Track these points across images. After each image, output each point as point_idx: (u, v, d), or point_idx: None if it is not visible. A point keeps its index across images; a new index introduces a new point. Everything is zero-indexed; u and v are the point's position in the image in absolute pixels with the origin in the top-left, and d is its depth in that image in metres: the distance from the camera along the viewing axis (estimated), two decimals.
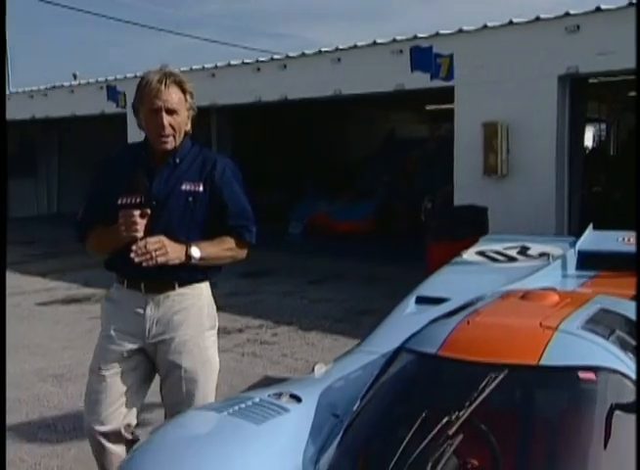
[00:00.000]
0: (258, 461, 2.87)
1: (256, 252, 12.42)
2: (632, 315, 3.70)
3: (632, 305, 4.03)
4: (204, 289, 3.40)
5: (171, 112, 3.07)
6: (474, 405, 2.83)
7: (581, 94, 10.17)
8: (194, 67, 14.56)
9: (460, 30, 10.73)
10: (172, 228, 3.12)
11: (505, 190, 10.20)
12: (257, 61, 13.60)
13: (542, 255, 5.71)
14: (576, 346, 3.11)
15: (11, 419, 5.38)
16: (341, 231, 14.67)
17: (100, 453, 3.37)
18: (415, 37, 11.17)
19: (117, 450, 3.36)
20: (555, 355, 3.00)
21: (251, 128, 16.49)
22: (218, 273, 3.51)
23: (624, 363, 3.03)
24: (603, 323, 3.41)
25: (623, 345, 3.22)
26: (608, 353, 3.07)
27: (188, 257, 3.15)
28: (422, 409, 2.93)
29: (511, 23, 10.17)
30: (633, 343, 3.33)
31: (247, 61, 13.77)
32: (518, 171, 10.25)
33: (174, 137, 3.12)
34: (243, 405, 3.23)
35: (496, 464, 2.75)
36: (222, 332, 8.01)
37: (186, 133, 3.27)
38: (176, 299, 3.25)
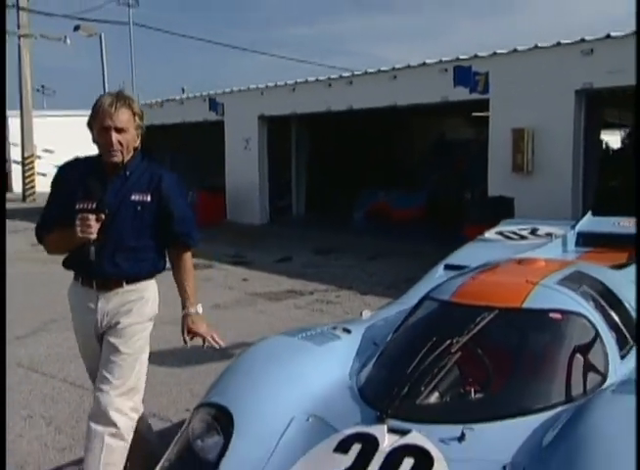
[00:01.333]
0: (318, 370, 3.26)
1: (327, 233, 13.06)
2: (602, 277, 3.97)
3: (606, 270, 4.34)
4: (149, 285, 3.29)
5: (120, 130, 2.94)
6: (471, 334, 3.22)
7: (596, 105, 10.21)
8: (278, 83, 14.93)
9: (494, 53, 10.87)
10: (124, 233, 3.05)
11: (530, 184, 10.32)
12: (329, 78, 13.78)
13: (548, 234, 5.85)
14: (550, 295, 3.41)
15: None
16: (396, 217, 14.76)
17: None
18: (457, 59, 11.33)
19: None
20: (533, 302, 3.32)
21: (324, 133, 16.55)
22: (162, 271, 3.40)
23: (586, 309, 3.33)
24: (574, 281, 3.66)
25: (588, 296, 3.50)
26: (574, 302, 3.36)
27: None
28: (435, 337, 3.36)
29: (536, 46, 10.27)
30: (595, 295, 3.61)
31: (320, 78, 13.95)
32: (540, 169, 10.39)
33: (122, 152, 2.99)
34: (310, 333, 3.68)
35: (488, 376, 3.06)
36: (297, 294, 8.51)
37: (135, 149, 3.16)
38: (124, 295, 3.13)
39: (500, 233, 6.14)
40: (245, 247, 12.27)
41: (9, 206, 21.74)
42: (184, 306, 3.30)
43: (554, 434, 2.52)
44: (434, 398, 2.92)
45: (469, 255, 5.32)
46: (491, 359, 3.12)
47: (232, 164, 16.39)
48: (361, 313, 4.30)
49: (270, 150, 15.88)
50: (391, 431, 2.64)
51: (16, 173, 26.39)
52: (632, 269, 4.53)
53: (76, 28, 25.44)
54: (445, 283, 3.95)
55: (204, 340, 3.26)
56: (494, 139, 11.01)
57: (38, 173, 24.81)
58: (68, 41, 26.52)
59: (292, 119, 15.66)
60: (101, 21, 28.67)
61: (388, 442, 2.59)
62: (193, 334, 3.27)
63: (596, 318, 3.31)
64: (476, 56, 11.10)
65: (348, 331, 3.74)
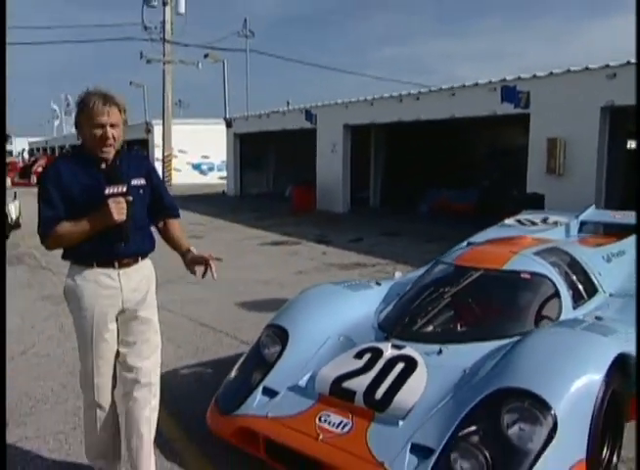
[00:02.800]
0: (352, 308, 3.77)
1: (395, 221, 13.29)
2: (573, 252, 4.23)
3: (580, 248, 4.59)
4: (149, 260, 2.96)
5: (113, 126, 2.68)
6: (461, 286, 3.67)
7: (619, 120, 10.12)
8: (359, 98, 15.24)
9: (534, 76, 10.85)
10: (136, 214, 2.72)
11: (560, 184, 10.32)
12: (400, 94, 13.93)
13: (555, 222, 5.90)
14: (525, 262, 3.77)
15: (243, 298, 6.72)
16: (454, 210, 14.79)
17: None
18: (504, 80, 11.36)
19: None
20: (511, 265, 3.74)
21: (398, 140, 16.66)
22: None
23: (550, 273, 3.69)
24: (548, 253, 3.98)
25: (555, 264, 3.83)
26: (542, 267, 3.73)
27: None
28: (435, 288, 3.83)
29: (568, 70, 10.25)
30: (562, 264, 3.94)
31: (393, 94, 14.13)
32: (570, 172, 10.36)
33: (113, 146, 2.72)
34: (350, 283, 4.26)
35: (474, 315, 3.54)
36: (362, 266, 8.90)
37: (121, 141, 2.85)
38: (140, 270, 2.85)
39: (517, 220, 6.25)
40: (328, 229, 12.58)
41: None
42: (182, 250, 2.96)
43: (503, 352, 2.98)
44: (424, 326, 3.41)
45: (487, 235, 5.49)
46: (472, 303, 3.60)
47: (321, 163, 16.73)
48: (394, 274, 4.75)
49: (352, 153, 16.12)
50: (393, 346, 3.16)
51: (157, 168, 27.70)
52: (608, 248, 4.80)
53: (206, 56, 26.55)
54: (453, 251, 4.41)
55: (205, 268, 2.86)
56: (533, 146, 11.00)
57: (174, 169, 26.03)
58: (200, 66, 27.64)
59: (371, 128, 15.88)
60: (224, 49, 29.83)
61: (389, 352, 3.12)
62: (194, 264, 2.90)
63: (557, 280, 3.69)
64: (519, 78, 11.14)
65: (379, 284, 4.26)
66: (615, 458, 2.95)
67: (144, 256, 2.89)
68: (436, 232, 12.27)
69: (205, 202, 19.15)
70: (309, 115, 16.95)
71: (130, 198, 2.68)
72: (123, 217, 2.63)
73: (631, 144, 16.94)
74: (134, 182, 2.78)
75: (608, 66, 9.58)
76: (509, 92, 11.31)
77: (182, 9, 26.78)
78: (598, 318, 3.33)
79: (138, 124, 31.87)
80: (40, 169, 29.97)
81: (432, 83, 13.95)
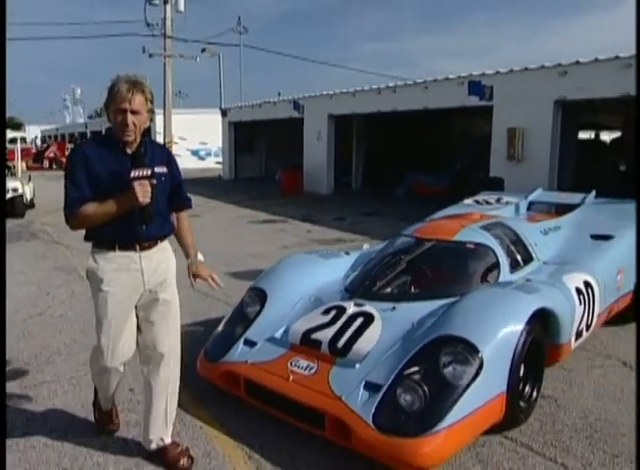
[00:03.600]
0: (323, 273, 3.98)
1: (375, 202, 13.37)
2: (514, 227, 4.41)
3: (521, 223, 4.78)
4: (168, 243, 2.81)
5: (135, 112, 2.53)
6: (417, 253, 3.93)
7: (570, 112, 10.31)
8: (342, 90, 15.31)
9: (497, 72, 10.99)
10: (158, 199, 2.59)
11: (518, 169, 10.51)
12: (379, 87, 14.01)
13: (507, 202, 6.03)
14: (471, 234, 4.00)
15: (234, 269, 6.85)
16: (429, 193, 14.88)
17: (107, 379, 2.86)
18: (471, 75, 11.49)
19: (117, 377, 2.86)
20: (459, 236, 3.97)
21: (378, 128, 16.75)
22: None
23: (492, 243, 3.93)
24: (491, 227, 4.19)
25: (497, 236, 4.05)
26: (485, 238, 3.95)
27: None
28: (394, 256, 4.08)
29: (526, 68, 10.39)
30: (503, 236, 4.13)
31: (373, 87, 14.19)
32: (527, 158, 10.55)
33: (135, 132, 2.56)
34: (323, 253, 4.45)
35: (425, 279, 3.77)
36: (343, 241, 9.09)
37: (146, 129, 2.69)
38: (159, 252, 2.71)
39: (475, 200, 6.45)
40: (313, 209, 12.74)
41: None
42: (188, 256, 2.88)
43: (445, 308, 3.25)
44: (383, 288, 3.66)
45: (447, 212, 5.69)
46: (424, 268, 3.84)
47: (308, 149, 16.81)
48: (362, 246, 4.94)
49: (336, 140, 16.22)
50: (355, 304, 3.41)
51: None
52: (546, 223, 4.99)
53: (203, 50, 26.46)
54: (413, 225, 4.62)
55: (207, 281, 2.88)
56: (496, 135, 11.17)
57: (175, 155, 25.99)
58: (198, 59, 27.51)
59: (353, 118, 15.98)
60: (220, 44, 29.88)
61: (351, 310, 3.37)
62: (196, 277, 2.87)
63: (498, 249, 3.94)
64: (484, 73, 11.28)
65: (348, 254, 4.48)
66: (535, 393, 3.24)
67: (163, 238, 2.76)
68: (410, 212, 12.17)
69: (203, 185, 19.24)
70: (297, 105, 17.01)
71: (154, 181, 2.56)
72: (148, 200, 2.51)
73: (591, 135, 17.14)
74: (157, 169, 2.64)
75: (560, 64, 9.78)
76: (475, 86, 11.47)
77: (182, 7, 26.57)
78: (528, 280, 3.61)
79: None
80: (52, 155, 29.90)
81: (415, 76, 13.97)
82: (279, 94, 20.04)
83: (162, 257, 2.75)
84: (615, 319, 4.58)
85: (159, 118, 27.09)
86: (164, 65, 26.07)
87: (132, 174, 2.51)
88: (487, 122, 12.49)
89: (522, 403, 3.10)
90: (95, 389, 3.08)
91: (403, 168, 16.06)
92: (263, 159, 22.55)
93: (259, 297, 3.73)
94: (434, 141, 17.46)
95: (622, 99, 9.16)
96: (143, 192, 2.49)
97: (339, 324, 3.26)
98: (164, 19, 26.16)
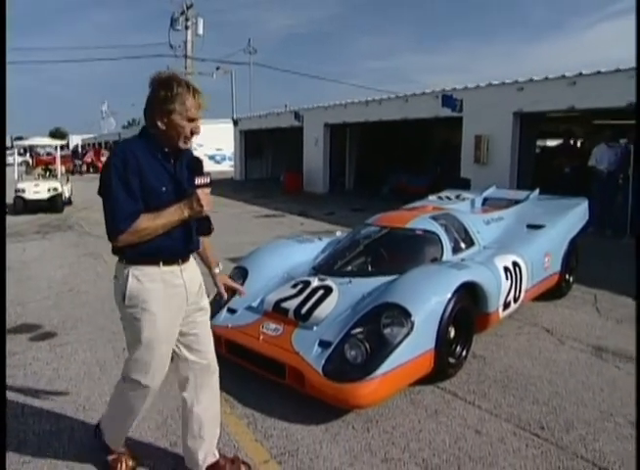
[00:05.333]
0: (296, 255, 4.15)
1: (363, 200, 13.28)
2: (461, 218, 4.54)
3: (468, 215, 4.90)
4: None
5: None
6: (374, 238, 4.11)
7: (527, 122, 10.34)
8: (335, 102, 15.31)
9: (466, 87, 11.04)
10: None
11: (484, 171, 10.51)
12: (366, 100, 14.05)
13: (465, 198, 6.15)
14: (421, 222, 4.16)
15: (233, 255, 6.94)
16: (411, 191, 14.90)
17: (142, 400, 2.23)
18: (444, 90, 11.56)
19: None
20: (411, 224, 4.13)
21: (369, 136, 16.67)
22: None
23: (438, 230, 4.09)
24: (440, 217, 4.35)
25: (444, 225, 4.21)
26: (432, 226, 4.12)
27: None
28: (355, 241, 4.27)
29: (490, 84, 10.45)
30: (449, 225, 4.27)
31: (361, 100, 14.22)
32: (491, 162, 10.57)
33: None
34: (299, 238, 4.58)
35: (379, 259, 3.90)
36: (330, 232, 9.26)
37: None
38: (192, 265, 2.27)
39: (438, 196, 6.55)
40: (309, 206, 12.83)
41: None
42: (211, 267, 2.48)
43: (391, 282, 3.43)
44: (343, 266, 3.85)
45: (412, 206, 5.76)
46: (378, 251, 4.01)
47: (307, 154, 16.86)
48: (336, 233, 5.04)
49: (332, 146, 16.28)
50: (319, 279, 3.59)
51: None
52: (491, 215, 5.11)
53: (217, 68, 26.73)
54: (376, 215, 4.76)
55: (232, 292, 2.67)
56: (465, 142, 11.22)
57: None
58: (215, 76, 27.82)
59: (346, 126, 15.98)
60: (233, 62, 30.16)
61: (315, 283, 3.55)
62: (224, 285, 2.53)
63: (442, 235, 4.11)
64: (454, 88, 11.36)
65: (321, 239, 4.60)
66: (464, 352, 3.44)
67: (193, 253, 2.32)
68: (392, 208, 12.47)
69: (216, 185, 18.68)
70: (297, 115, 17.10)
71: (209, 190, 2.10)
72: (212, 208, 2.08)
73: (547, 142, 17.09)
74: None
75: (517, 81, 9.85)
76: (447, 99, 11.53)
77: (200, 31, 26.83)
78: (462, 260, 3.80)
79: None
80: (89, 160, 30.07)
81: (408, 91, 13.57)
82: (286, 106, 19.89)
83: (194, 265, 2.31)
84: (545, 295, 4.76)
85: None
86: None
87: (197, 182, 2.06)
88: (461, 131, 12.55)
89: (452, 360, 3.30)
90: (99, 426, 2.48)
91: (389, 170, 16.07)
92: (270, 162, 22.64)
93: (242, 274, 3.93)
94: (417, 146, 17.45)
95: (568, 111, 9.30)
96: (207, 200, 2.06)
97: (303, 295, 3.45)
98: (186, 41, 26.46)
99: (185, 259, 2.22)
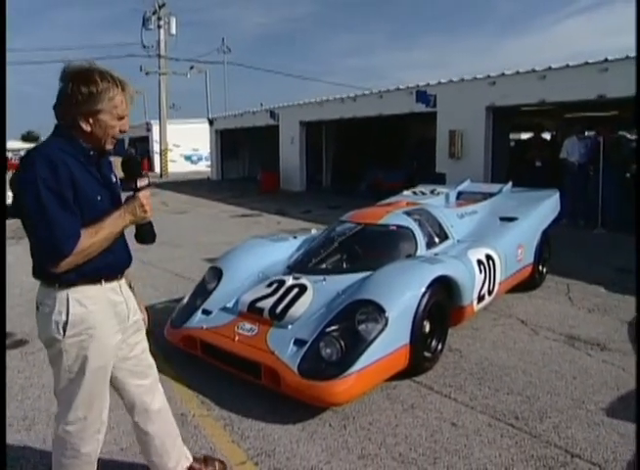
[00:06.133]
0: (271, 254, 4.12)
1: (340, 197, 13.17)
2: (434, 212, 4.56)
3: (442, 209, 4.91)
4: None
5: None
6: (348, 235, 4.11)
7: (500, 116, 10.46)
8: (310, 100, 15.27)
9: (439, 82, 11.12)
10: None
11: (459, 165, 10.62)
12: (341, 97, 14.03)
13: (440, 193, 6.14)
14: (395, 218, 4.17)
15: (209, 255, 6.90)
16: (387, 187, 14.92)
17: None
18: (418, 86, 11.60)
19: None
20: (385, 220, 4.13)
21: (344, 132, 16.70)
22: None
23: (412, 225, 4.11)
24: (414, 213, 4.36)
25: (417, 220, 4.23)
26: (406, 221, 4.13)
27: None
28: (329, 238, 4.26)
29: (462, 79, 10.53)
30: (423, 220, 4.29)
31: (336, 97, 14.21)
32: (466, 156, 10.67)
33: None
34: (274, 237, 4.56)
35: (353, 256, 3.91)
36: (306, 230, 9.19)
37: None
38: (124, 279, 1.97)
39: (413, 191, 6.56)
40: (286, 204, 12.78)
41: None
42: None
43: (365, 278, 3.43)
44: (317, 264, 3.84)
45: (387, 201, 5.86)
46: (353, 247, 4.01)
47: (284, 152, 16.77)
48: (311, 231, 5.00)
49: (308, 143, 16.24)
50: (293, 278, 3.57)
51: (156, 160, 27.55)
52: (464, 209, 5.17)
53: (191, 68, 26.52)
54: (351, 211, 4.75)
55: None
56: (440, 137, 11.28)
57: (170, 160, 26.03)
58: (189, 76, 27.61)
59: (321, 124, 15.96)
60: (207, 62, 30.03)
61: (290, 282, 3.53)
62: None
63: (416, 230, 4.13)
64: (428, 84, 11.42)
65: (296, 237, 4.57)
66: (440, 346, 3.46)
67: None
68: (368, 205, 12.46)
69: (193, 185, 19.28)
70: (273, 114, 17.00)
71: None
72: (152, 213, 1.85)
73: (521, 136, 17.19)
74: (113, 178, 1.94)
75: (489, 76, 9.94)
76: (421, 95, 11.59)
77: (173, 30, 26.59)
78: (435, 254, 3.83)
79: (140, 124, 31.54)
80: None
81: (384, 87, 13.40)
82: (261, 105, 19.79)
83: (126, 285, 2.01)
84: (519, 286, 4.83)
85: (155, 128, 27.15)
86: (159, 81, 26.08)
87: (139, 184, 1.85)
88: (435, 126, 12.61)
89: (427, 354, 3.32)
90: None
91: (366, 167, 16.08)
92: (247, 161, 22.48)
93: (216, 274, 3.89)
94: (393, 142, 17.45)
95: (539, 105, 9.44)
96: (150, 204, 1.84)
97: (278, 294, 3.43)
98: (159, 41, 26.15)
99: (123, 274, 1.96)
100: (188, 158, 29.33)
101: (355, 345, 2.88)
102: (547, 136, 15.32)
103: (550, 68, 8.88)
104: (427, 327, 3.30)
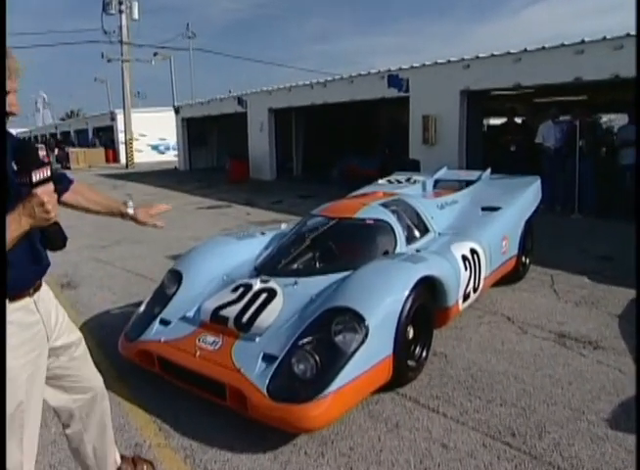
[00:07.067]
0: (236, 254, 3.73)
1: (312, 185, 12.81)
2: (412, 203, 4.26)
3: (419, 199, 4.57)
4: None
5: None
6: (321, 231, 3.75)
7: (474, 101, 10.21)
8: (279, 86, 14.75)
9: (412, 66, 10.78)
10: None
11: (433, 152, 10.37)
12: (311, 82, 13.60)
13: (416, 181, 5.89)
14: (371, 211, 3.83)
15: (174, 252, 6.48)
16: (361, 175, 14.63)
17: None
18: (389, 70, 11.26)
19: None
20: (360, 214, 3.78)
21: (315, 119, 16.26)
22: None
23: (390, 218, 3.77)
24: (391, 204, 4.04)
25: (395, 212, 3.90)
26: (384, 214, 3.80)
27: None
28: (300, 235, 3.89)
29: (436, 63, 10.20)
30: (401, 212, 3.97)
31: (306, 82, 13.76)
32: (440, 142, 10.38)
33: None
34: (240, 234, 4.14)
35: (327, 254, 3.53)
36: (277, 222, 8.61)
37: None
38: (45, 292, 1.69)
39: (388, 180, 6.26)
40: (255, 194, 12.32)
41: (117, 171, 22.15)
42: (122, 213, 2.00)
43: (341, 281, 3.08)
44: (288, 265, 3.47)
45: (361, 191, 5.51)
46: (327, 245, 3.62)
47: (252, 140, 16.26)
48: (280, 226, 4.55)
49: (278, 131, 15.74)
50: (261, 281, 3.20)
51: (121, 150, 26.61)
52: (444, 198, 4.87)
53: (155, 54, 25.54)
54: (323, 205, 4.38)
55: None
56: (413, 122, 10.96)
57: (136, 150, 25.12)
58: (153, 62, 26.62)
59: (291, 110, 15.48)
60: (171, 48, 28.93)
61: (257, 286, 3.16)
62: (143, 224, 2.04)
63: (395, 224, 3.80)
64: (400, 68, 11.06)
65: (264, 234, 4.18)
66: (425, 353, 3.14)
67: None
68: (341, 193, 12.10)
69: (160, 176, 18.57)
70: (241, 100, 16.40)
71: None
72: (57, 212, 1.44)
73: (490, 121, 17.06)
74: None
75: (463, 59, 9.65)
76: (394, 79, 11.23)
77: (136, 15, 25.48)
78: (417, 251, 3.50)
79: (104, 114, 30.42)
80: None
81: (356, 73, 12.89)
82: (230, 92, 19.08)
83: (46, 290, 1.70)
84: (503, 279, 4.56)
85: (120, 118, 26.11)
86: (122, 68, 25.04)
87: (34, 178, 1.41)
88: (408, 111, 12.31)
89: (411, 363, 3.00)
90: None
91: (338, 154, 15.74)
92: (215, 150, 21.81)
93: (176, 278, 3.49)
94: (365, 129, 17.15)
95: (514, 88, 9.20)
96: (53, 202, 1.41)
97: (244, 300, 3.06)
98: (120, 26, 25.04)
99: (38, 287, 1.63)
100: (155, 147, 28.37)
101: (332, 359, 2.54)
102: (518, 121, 15.23)
103: (525, 50, 8.62)
104: (410, 333, 2.98)
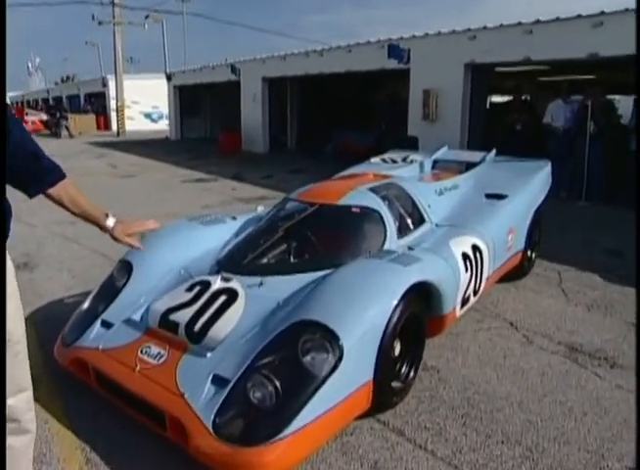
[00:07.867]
0: (199, 242, 3.19)
1: (305, 160, 12.25)
2: (407, 188, 3.70)
3: (415, 183, 4.02)
4: None
5: None
6: (298, 219, 3.19)
7: (479, 75, 9.54)
8: (274, 54, 14.10)
9: (414, 36, 10.12)
10: None
11: (433, 128, 9.81)
12: (306, 51, 12.91)
13: (413, 161, 5.33)
14: (358, 196, 3.28)
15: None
16: (355, 150, 14.12)
17: None
18: (390, 39, 10.58)
19: None
20: (345, 200, 3.23)
21: (310, 90, 15.59)
22: None
23: (379, 206, 3.24)
24: (381, 189, 3.49)
25: (386, 199, 3.35)
26: (372, 201, 3.25)
27: None
28: (277, 222, 3.35)
29: (439, 33, 9.55)
30: (393, 198, 3.43)
31: (301, 51, 13.06)
32: (440, 118, 9.83)
33: None
34: (206, 218, 3.55)
35: (302, 248, 3.04)
36: (264, 199, 8.08)
37: None
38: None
39: (382, 159, 5.67)
40: (245, 168, 11.71)
41: (107, 139, 21.36)
42: (100, 225, 1.95)
43: (314, 285, 2.54)
44: (254, 260, 2.93)
45: (351, 171, 5.03)
46: (302, 237, 3.07)
47: (245, 111, 15.58)
48: (256, 208, 3.98)
49: (272, 101, 15.07)
50: (222, 279, 2.68)
51: (113, 117, 25.70)
52: (443, 182, 4.30)
53: (146, 17, 24.42)
54: (303, 187, 3.81)
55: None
56: (413, 97, 10.34)
57: (128, 117, 24.25)
58: (146, 26, 25.48)
59: (286, 80, 14.75)
60: (165, 11, 27.85)
61: (217, 285, 2.64)
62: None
63: (385, 213, 3.24)
64: (402, 37, 10.36)
65: (235, 219, 3.60)
66: (413, 372, 2.64)
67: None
68: (335, 169, 11.64)
69: (149, 145, 17.86)
70: (234, 68, 15.63)
71: None
72: None
73: (492, 98, 16.34)
74: None
75: (469, 29, 8.98)
76: (394, 49, 10.53)
77: None
78: (410, 249, 2.94)
79: (95, 79, 29.37)
80: None
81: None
82: (226, 60, 18.28)
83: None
84: (505, 277, 4.04)
85: (112, 84, 25.11)
86: (114, 32, 23.95)
87: None
88: (408, 85, 11.68)
89: (396, 384, 2.50)
90: None
91: (333, 128, 15.12)
92: (208, 120, 21.04)
93: (126, 269, 2.95)
94: (363, 101, 16.45)
95: (524, 62, 8.54)
96: None
97: (199, 303, 2.55)
98: None
99: None
100: (148, 115, 27.46)
101: (298, 386, 2.03)
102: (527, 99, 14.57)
103: (538, 21, 7.94)
104: (397, 349, 2.47)
